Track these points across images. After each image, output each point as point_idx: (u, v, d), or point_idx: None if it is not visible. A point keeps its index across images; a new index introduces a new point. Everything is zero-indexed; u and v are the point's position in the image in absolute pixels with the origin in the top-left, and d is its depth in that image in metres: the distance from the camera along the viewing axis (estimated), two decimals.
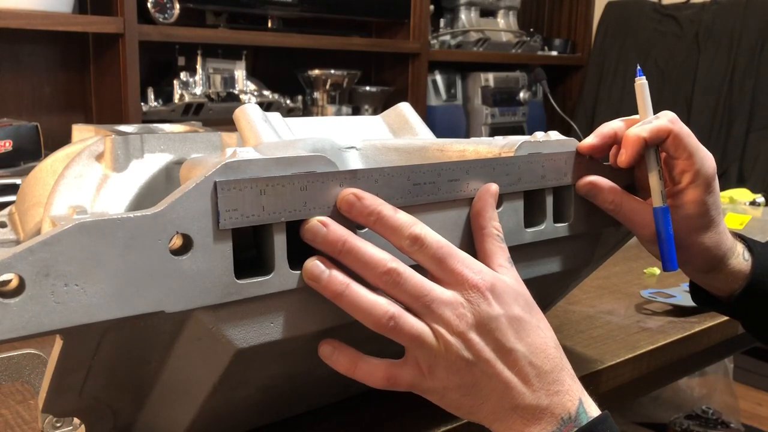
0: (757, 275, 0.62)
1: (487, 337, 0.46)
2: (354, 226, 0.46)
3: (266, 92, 2.07)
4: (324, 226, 0.44)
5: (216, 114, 1.92)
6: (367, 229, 0.46)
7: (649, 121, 0.57)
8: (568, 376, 0.48)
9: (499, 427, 0.47)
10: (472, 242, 0.51)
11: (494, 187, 0.51)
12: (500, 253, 0.50)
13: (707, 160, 0.58)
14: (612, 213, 0.59)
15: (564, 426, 0.46)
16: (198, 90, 1.94)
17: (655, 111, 0.58)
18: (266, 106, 2.01)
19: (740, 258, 0.62)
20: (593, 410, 0.47)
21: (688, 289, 0.92)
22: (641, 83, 0.59)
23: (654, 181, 0.57)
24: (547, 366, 0.47)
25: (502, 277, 0.48)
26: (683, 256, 0.59)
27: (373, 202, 0.45)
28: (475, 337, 0.45)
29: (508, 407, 0.46)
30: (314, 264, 0.44)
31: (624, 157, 0.57)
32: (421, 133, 0.67)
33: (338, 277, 0.44)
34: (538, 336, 0.47)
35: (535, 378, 0.46)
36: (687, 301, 0.88)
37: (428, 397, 0.48)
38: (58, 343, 0.39)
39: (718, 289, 0.64)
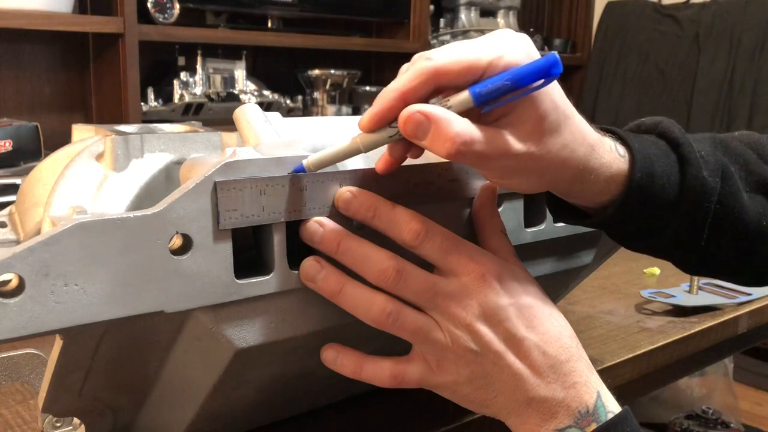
0: (638, 169, 0.47)
1: (496, 327, 0.44)
2: (354, 227, 0.45)
3: (266, 92, 2.07)
4: (320, 226, 0.43)
5: (216, 114, 1.92)
6: (368, 228, 0.46)
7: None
8: (585, 366, 0.46)
9: (515, 422, 0.45)
10: (473, 242, 0.51)
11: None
12: (505, 248, 0.49)
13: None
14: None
15: (581, 420, 0.44)
16: (198, 90, 1.94)
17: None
18: (266, 106, 2.01)
19: (614, 153, 0.47)
20: (612, 404, 0.45)
21: (688, 288, 0.92)
22: None
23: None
24: (562, 356, 0.45)
25: (511, 266, 0.47)
26: (545, 172, 0.44)
27: (370, 197, 0.44)
28: (482, 327, 0.44)
29: (522, 400, 0.45)
30: (310, 264, 0.43)
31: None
32: None
33: (334, 276, 0.43)
34: (551, 325, 0.45)
35: (549, 369, 0.44)
36: (687, 301, 0.88)
37: (440, 393, 0.47)
38: (58, 343, 0.39)
39: (591, 197, 0.48)
